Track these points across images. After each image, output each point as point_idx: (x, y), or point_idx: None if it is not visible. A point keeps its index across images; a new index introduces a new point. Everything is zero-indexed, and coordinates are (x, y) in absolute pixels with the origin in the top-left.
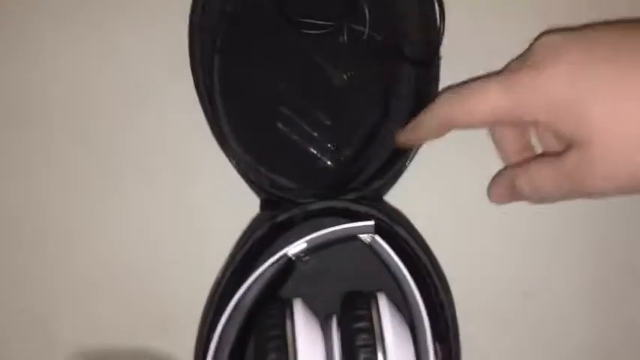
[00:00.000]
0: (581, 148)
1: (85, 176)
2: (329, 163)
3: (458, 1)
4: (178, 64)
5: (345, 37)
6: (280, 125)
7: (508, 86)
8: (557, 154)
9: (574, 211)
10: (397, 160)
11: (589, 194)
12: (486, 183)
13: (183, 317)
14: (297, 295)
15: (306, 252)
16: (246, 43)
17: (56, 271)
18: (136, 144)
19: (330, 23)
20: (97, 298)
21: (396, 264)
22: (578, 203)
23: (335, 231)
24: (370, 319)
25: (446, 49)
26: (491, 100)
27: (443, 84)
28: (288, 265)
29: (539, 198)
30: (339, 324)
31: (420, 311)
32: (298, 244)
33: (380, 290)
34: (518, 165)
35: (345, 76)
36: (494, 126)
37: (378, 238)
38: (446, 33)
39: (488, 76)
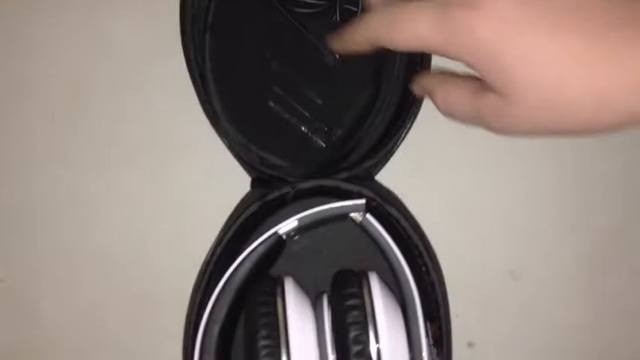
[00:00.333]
0: (499, 95)
1: (75, 156)
2: (320, 142)
3: None
4: (169, 43)
5: (338, 16)
6: (272, 104)
7: (440, 21)
8: (479, 88)
9: (563, 192)
10: (388, 140)
11: (508, 134)
12: (477, 161)
13: (172, 295)
14: (287, 274)
15: (297, 231)
16: (237, 21)
17: (44, 249)
18: (127, 123)
19: (322, 2)
20: (85, 277)
21: (387, 243)
22: (568, 185)
23: (326, 209)
24: (361, 297)
25: None
26: (421, 31)
27: (434, 65)
28: (279, 243)
29: (447, 115)
30: (330, 301)
31: (411, 289)
32: (289, 223)
33: (371, 269)
34: (445, 78)
35: (337, 56)
36: None
37: (369, 216)
38: None
39: None
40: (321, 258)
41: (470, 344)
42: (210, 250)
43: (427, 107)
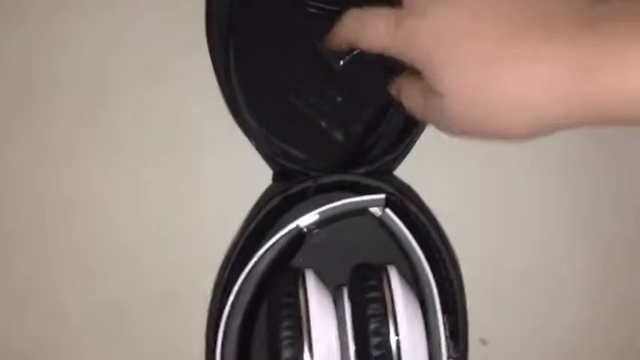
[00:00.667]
0: (437, 95)
1: (99, 152)
2: (340, 137)
3: None
4: (193, 40)
5: None
6: (292, 100)
7: (395, 26)
8: (426, 89)
9: (579, 192)
10: (406, 135)
11: (445, 132)
12: (494, 158)
13: (195, 287)
14: (307, 267)
15: (318, 224)
16: (260, 21)
17: (67, 246)
18: (152, 117)
19: (336, 8)
20: (108, 270)
21: (407, 238)
22: (574, 186)
23: (347, 204)
24: (381, 290)
25: None
26: (380, 35)
27: None
28: (300, 236)
29: (412, 115)
30: (350, 294)
31: (429, 283)
32: (310, 216)
33: (389, 263)
34: (408, 79)
35: (342, 61)
36: None
37: (388, 211)
38: None
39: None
40: (340, 251)
41: (482, 341)
42: (232, 242)
43: None
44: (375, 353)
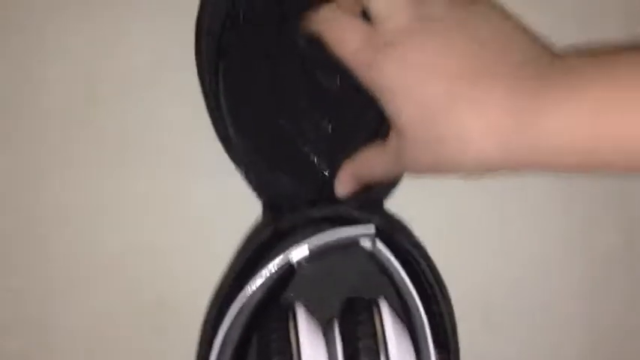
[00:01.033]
0: (397, 134)
1: (88, 163)
2: (329, 166)
3: None
4: (183, 64)
5: None
6: (282, 128)
7: (367, 46)
8: (385, 140)
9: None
10: None
11: (410, 173)
12: (486, 188)
13: (185, 320)
14: (297, 299)
15: (308, 258)
16: (250, 48)
17: (56, 257)
18: (139, 143)
19: None
20: (96, 289)
21: (397, 271)
22: (574, 207)
23: (336, 234)
24: (373, 324)
25: None
26: (349, 46)
27: None
28: (290, 270)
29: (375, 176)
30: (341, 327)
31: (421, 318)
32: (301, 251)
33: (380, 296)
34: (366, 151)
35: (338, 81)
36: None
37: (379, 243)
38: None
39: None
40: (331, 284)
41: None
42: (221, 277)
43: None
44: None
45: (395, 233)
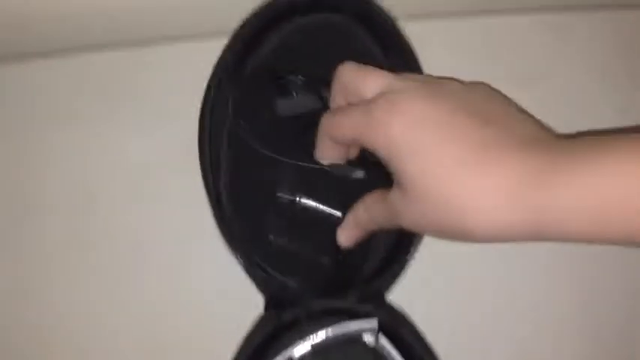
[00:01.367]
0: (401, 189)
1: (89, 270)
2: (330, 261)
3: None
4: (185, 163)
5: None
6: (284, 225)
7: (365, 118)
8: (386, 192)
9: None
10: (397, 259)
11: (413, 230)
12: (486, 277)
13: None
14: None
15: (311, 354)
16: (252, 149)
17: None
18: (142, 240)
19: None
20: None
21: None
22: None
23: (338, 330)
24: None
25: None
26: (352, 126)
27: None
28: None
29: (377, 225)
30: None
31: None
32: (303, 347)
33: None
34: (366, 201)
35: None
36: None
37: (381, 338)
38: None
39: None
40: None
41: None
42: None
43: None
44: None
45: (398, 328)
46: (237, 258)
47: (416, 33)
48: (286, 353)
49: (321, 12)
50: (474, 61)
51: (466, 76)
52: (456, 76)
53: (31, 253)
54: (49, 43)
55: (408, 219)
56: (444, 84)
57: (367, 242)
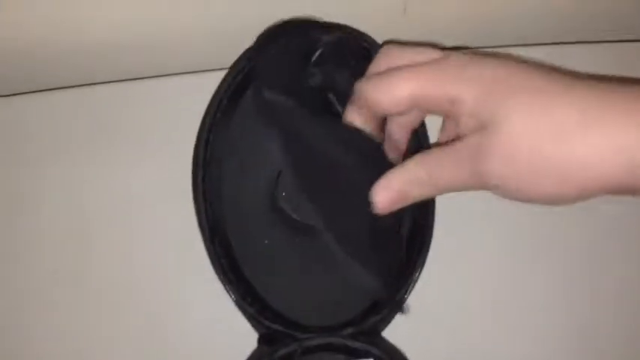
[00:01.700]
0: (487, 129)
1: (80, 309)
2: (325, 297)
3: None
4: (180, 196)
5: None
6: (276, 260)
7: (441, 64)
8: (454, 141)
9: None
10: (394, 296)
11: (488, 180)
12: (481, 314)
13: None
14: None
15: None
16: (246, 187)
17: None
18: (132, 274)
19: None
20: None
21: None
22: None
23: None
24: None
25: None
26: (417, 81)
27: None
28: None
29: (437, 188)
30: None
31: None
32: None
33: None
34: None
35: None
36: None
37: None
38: None
39: None
40: None
41: None
42: None
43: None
44: None
45: None
46: (229, 293)
47: None
48: None
49: None
50: None
51: None
52: None
53: (23, 287)
54: (45, 78)
55: (497, 164)
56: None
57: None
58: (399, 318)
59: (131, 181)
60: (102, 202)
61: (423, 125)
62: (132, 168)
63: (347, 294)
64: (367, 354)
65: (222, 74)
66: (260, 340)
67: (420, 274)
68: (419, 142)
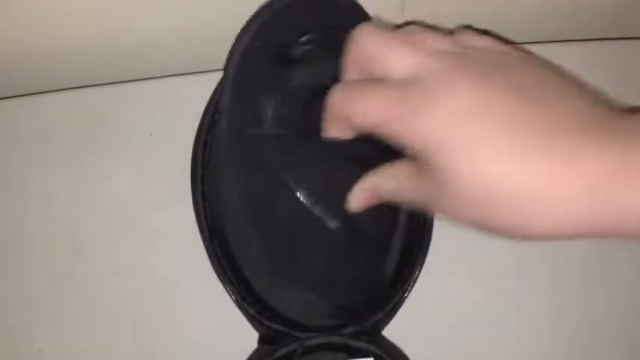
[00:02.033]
0: (442, 184)
1: (75, 312)
2: (326, 296)
3: None
4: (177, 199)
5: None
6: (279, 265)
7: (398, 100)
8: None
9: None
10: (394, 294)
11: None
12: (481, 313)
13: None
14: None
15: None
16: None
17: None
18: (129, 278)
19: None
20: None
21: None
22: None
23: None
24: None
25: None
26: (377, 106)
27: None
28: None
29: (400, 199)
30: None
31: None
32: None
33: None
34: (387, 171)
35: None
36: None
37: None
38: None
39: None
40: None
41: None
42: None
43: (431, 264)
44: None
45: None
46: (229, 293)
47: None
48: None
49: None
50: None
51: None
52: None
53: (15, 299)
54: (35, 81)
55: (447, 212)
56: (483, 55)
57: (364, 277)
58: (399, 317)
59: (130, 181)
60: (101, 202)
61: None
62: (131, 169)
63: (347, 293)
64: (368, 353)
65: (220, 75)
66: (260, 340)
67: (419, 273)
68: None
